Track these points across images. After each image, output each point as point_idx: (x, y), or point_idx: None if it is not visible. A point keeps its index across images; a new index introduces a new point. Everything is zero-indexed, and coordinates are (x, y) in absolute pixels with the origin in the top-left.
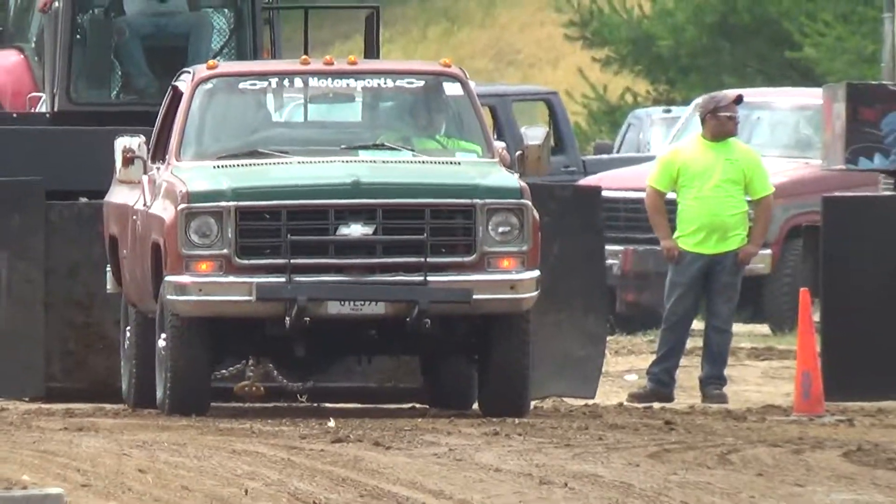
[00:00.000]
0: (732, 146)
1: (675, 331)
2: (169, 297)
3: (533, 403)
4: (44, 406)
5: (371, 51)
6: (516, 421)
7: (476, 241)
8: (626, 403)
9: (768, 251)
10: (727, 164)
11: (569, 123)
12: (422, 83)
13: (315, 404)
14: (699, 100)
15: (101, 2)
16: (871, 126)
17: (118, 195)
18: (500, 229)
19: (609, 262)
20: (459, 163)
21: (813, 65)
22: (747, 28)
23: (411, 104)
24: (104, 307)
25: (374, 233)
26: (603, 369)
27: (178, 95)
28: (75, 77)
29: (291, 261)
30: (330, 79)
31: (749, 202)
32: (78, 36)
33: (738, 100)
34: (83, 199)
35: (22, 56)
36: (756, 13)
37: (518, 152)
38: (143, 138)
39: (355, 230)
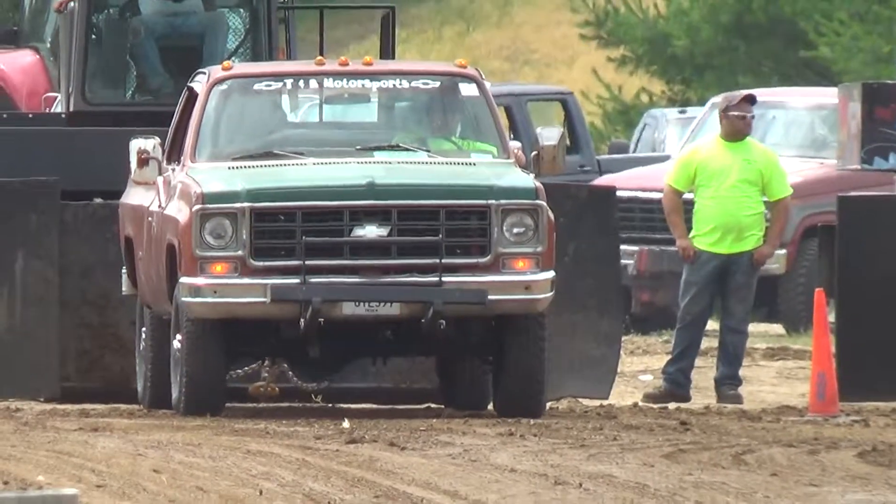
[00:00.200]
0: (750, 147)
1: (689, 330)
2: (184, 298)
3: (548, 404)
4: (59, 406)
5: (386, 51)
6: (531, 421)
7: (491, 242)
8: (641, 404)
9: (783, 251)
10: (744, 164)
11: (584, 123)
12: (437, 84)
13: (330, 405)
14: (716, 98)
15: (116, 2)
16: (887, 126)
17: (133, 196)
18: (515, 230)
19: (624, 262)
20: (475, 163)
21: (828, 64)
22: (762, 27)
23: (427, 105)
24: (119, 307)
25: (389, 234)
26: (618, 370)
27: (193, 96)
28: (90, 77)
29: (306, 262)
30: (345, 79)
31: (766, 203)
32: (93, 36)
33: (750, 99)
34: (98, 200)
35: (37, 56)
36: (771, 12)
37: (533, 153)
38: (157, 139)
39: (370, 231)
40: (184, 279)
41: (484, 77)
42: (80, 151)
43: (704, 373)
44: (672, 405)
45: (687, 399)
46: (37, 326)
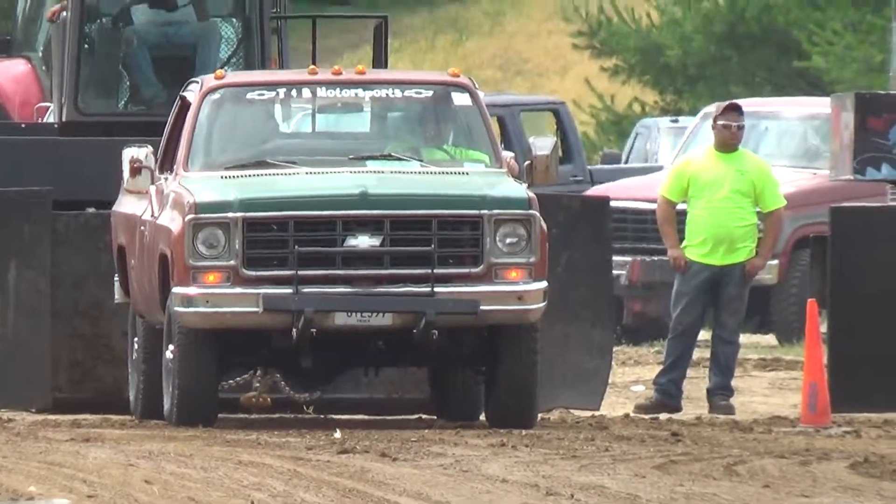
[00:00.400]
0: (743, 158)
1: (681, 340)
2: (176, 308)
3: (539, 415)
4: (50, 417)
5: (379, 60)
6: (523, 432)
7: (483, 252)
8: (632, 415)
9: (776, 262)
10: (737, 175)
11: (576, 133)
12: (430, 93)
13: (322, 415)
14: (709, 108)
15: (108, 11)
16: (880, 136)
17: (126, 205)
18: (508, 240)
19: (616, 272)
20: (467, 173)
21: (821, 74)
22: (755, 37)
23: (420, 114)
24: (111, 318)
25: (382, 244)
26: (609, 380)
27: (185, 106)
28: (83, 87)
29: (299, 272)
30: (338, 89)
31: (759, 214)
32: (86, 46)
33: (735, 108)
34: (91, 210)
35: (29, 66)
36: (764, 22)
37: (526, 162)
38: (150, 148)
39: (363, 241)
40: (176, 289)
41: (477, 86)
42: (72, 161)
43: (696, 383)
44: (663, 416)
45: (678, 410)
46: (29, 337)
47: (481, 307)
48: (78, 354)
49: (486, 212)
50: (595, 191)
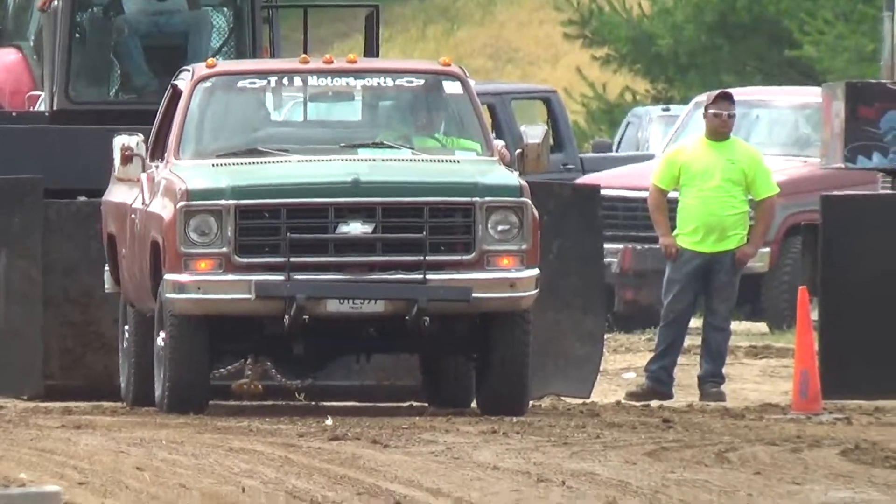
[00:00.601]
0: (735, 146)
1: (672, 328)
2: (168, 295)
3: (530, 402)
4: (42, 404)
5: (371, 49)
6: (514, 419)
7: (475, 240)
8: (623, 402)
9: (767, 249)
10: (727, 164)
11: (567, 122)
12: (422, 82)
13: (313, 402)
14: (700, 97)
15: (100, 0)
16: (870, 124)
17: (117, 193)
18: (500, 227)
19: (607, 260)
20: (459, 161)
21: (812, 63)
22: (746, 26)
23: (411, 103)
24: (102, 305)
25: (374, 231)
26: (601, 368)
27: (177, 94)
28: (74, 76)
29: (291, 259)
30: (329, 77)
31: (751, 202)
32: (77, 34)
33: (726, 96)
34: (82, 198)
35: (20, 55)
36: (755, 11)
37: (518, 151)
38: (141, 136)
39: (354, 228)
40: (168, 276)
41: (468, 75)
42: (63, 150)
43: (687, 371)
44: (655, 403)
45: (669, 397)
46: (20, 324)
47: (473, 294)
48: (69, 342)
49: (477, 199)
50: (586, 179)
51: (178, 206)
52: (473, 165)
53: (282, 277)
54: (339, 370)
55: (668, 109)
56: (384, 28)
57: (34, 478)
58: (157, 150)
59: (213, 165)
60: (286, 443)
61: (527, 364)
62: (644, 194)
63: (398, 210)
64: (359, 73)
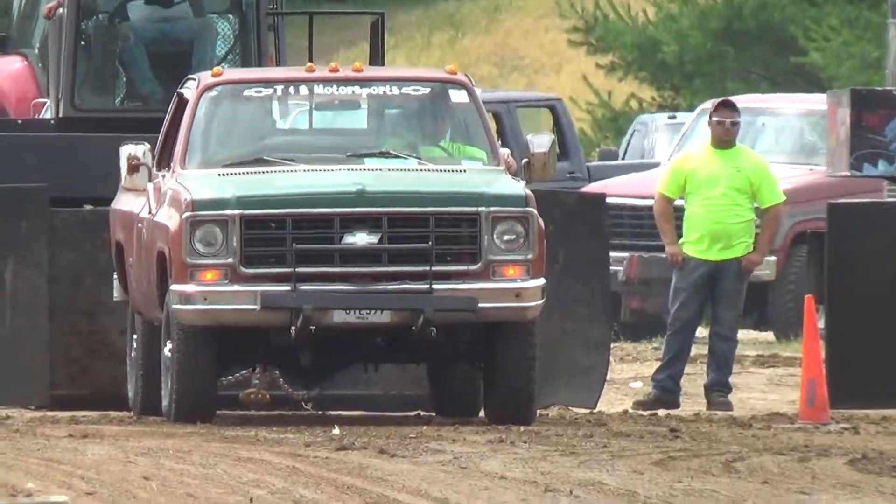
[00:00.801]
0: (741, 154)
1: (679, 336)
2: (174, 305)
3: (538, 411)
4: (49, 414)
5: (376, 57)
6: (521, 429)
7: (481, 250)
8: (631, 411)
9: (773, 258)
10: (733, 172)
11: (573, 130)
12: (427, 90)
13: (320, 412)
14: (706, 105)
15: (105, 8)
16: (876, 132)
17: (124, 202)
18: (506, 237)
19: (614, 268)
20: (465, 170)
21: (818, 70)
22: (752, 34)
23: (417, 111)
24: (109, 314)
25: (380, 241)
26: (608, 377)
27: (183, 102)
28: (80, 83)
29: (296, 269)
30: (335, 86)
31: (757, 210)
32: (82, 42)
33: (727, 104)
34: (88, 206)
35: (26, 62)
36: (761, 18)
37: (524, 160)
38: (147, 146)
39: (360, 239)
40: (174, 286)
41: (474, 83)
42: (69, 158)
43: (694, 380)
44: (662, 412)
45: (676, 406)
46: (27, 334)
47: (479, 304)
48: (76, 351)
49: (483, 209)
50: (592, 187)
51: (183, 217)
52: (479, 175)
53: (288, 288)
54: (347, 380)
55: (673, 118)
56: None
57: (41, 487)
58: (164, 159)
59: (219, 175)
60: (293, 452)
61: (534, 374)
62: (650, 202)
63: (404, 220)
64: (365, 82)
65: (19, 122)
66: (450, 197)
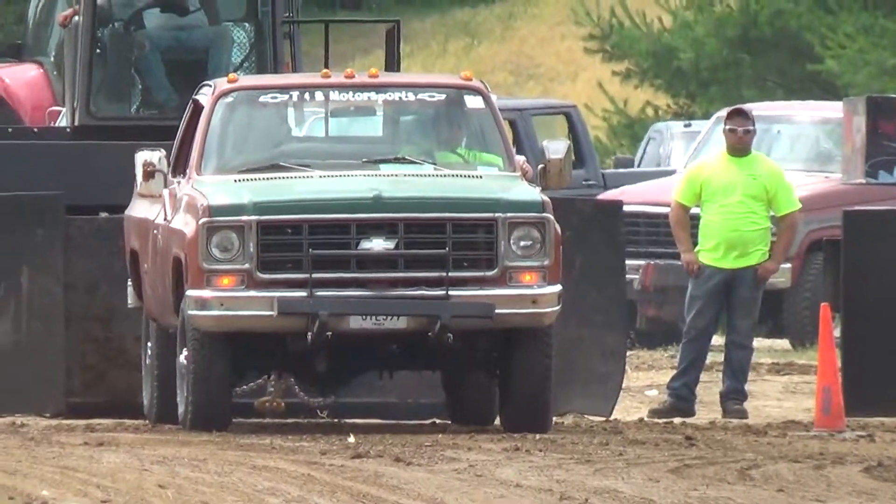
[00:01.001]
0: (756, 162)
1: (694, 345)
2: (190, 311)
3: (553, 419)
4: (64, 421)
5: (391, 65)
6: (537, 437)
7: (498, 256)
8: (646, 419)
9: (788, 265)
10: (749, 179)
11: (588, 137)
12: (443, 96)
13: (335, 420)
14: (721, 112)
15: (121, 16)
16: (891, 140)
17: (139, 209)
18: (522, 243)
19: (629, 276)
20: (481, 176)
21: (834, 78)
22: (768, 41)
23: (433, 117)
24: (124, 322)
25: (396, 247)
26: (623, 384)
27: (198, 109)
28: (95, 91)
29: (313, 275)
30: (351, 92)
31: (773, 218)
32: (98, 50)
33: (740, 112)
34: (103, 214)
35: (41, 70)
36: (777, 26)
37: (540, 166)
38: (163, 152)
39: (377, 244)
40: (190, 292)
41: (490, 90)
42: (84, 165)
43: (709, 388)
44: (677, 420)
45: (692, 414)
46: (42, 341)
47: (496, 311)
48: (91, 359)
49: (500, 215)
50: (608, 195)
51: (200, 223)
52: (496, 181)
53: (304, 294)
54: (362, 387)
55: (689, 125)
56: (404, 44)
57: (57, 496)
58: (179, 166)
59: (235, 181)
60: (309, 460)
61: (549, 381)
62: (666, 210)
63: (420, 226)
64: (380, 88)
65: (35, 129)
66: (466, 203)
